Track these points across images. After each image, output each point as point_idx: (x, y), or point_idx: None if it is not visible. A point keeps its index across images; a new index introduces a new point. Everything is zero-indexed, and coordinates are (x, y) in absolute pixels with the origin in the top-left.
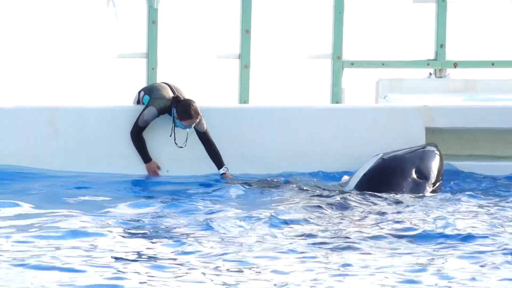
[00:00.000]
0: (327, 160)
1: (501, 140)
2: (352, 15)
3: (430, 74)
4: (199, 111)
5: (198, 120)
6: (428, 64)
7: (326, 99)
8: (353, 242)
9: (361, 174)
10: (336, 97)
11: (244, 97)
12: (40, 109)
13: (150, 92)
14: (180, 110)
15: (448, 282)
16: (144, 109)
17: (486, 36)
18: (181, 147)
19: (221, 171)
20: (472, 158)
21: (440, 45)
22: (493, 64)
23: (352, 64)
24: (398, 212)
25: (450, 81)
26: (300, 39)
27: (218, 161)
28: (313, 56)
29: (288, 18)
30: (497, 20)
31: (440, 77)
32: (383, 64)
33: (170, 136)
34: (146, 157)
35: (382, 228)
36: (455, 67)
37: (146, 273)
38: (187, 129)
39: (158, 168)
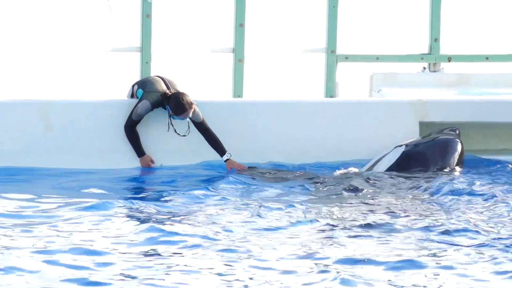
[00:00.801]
0: (321, 154)
1: (495, 134)
2: (346, 9)
3: (424, 68)
4: (192, 101)
5: (192, 110)
6: (422, 58)
7: (320, 93)
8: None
9: (383, 165)
10: (330, 91)
11: (238, 91)
12: (32, 103)
13: (144, 86)
14: (173, 105)
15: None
16: (137, 103)
17: (480, 30)
18: (185, 135)
19: (225, 157)
20: (465, 152)
21: (434, 39)
22: (487, 58)
23: (346, 58)
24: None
25: (444, 75)
26: (294, 33)
27: (219, 148)
28: (307, 50)
29: (282, 12)
30: (491, 14)
31: (434, 71)
32: (377, 58)
33: (168, 131)
34: (139, 151)
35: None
36: (449, 61)
37: (144, 266)
38: (187, 119)
39: (152, 162)
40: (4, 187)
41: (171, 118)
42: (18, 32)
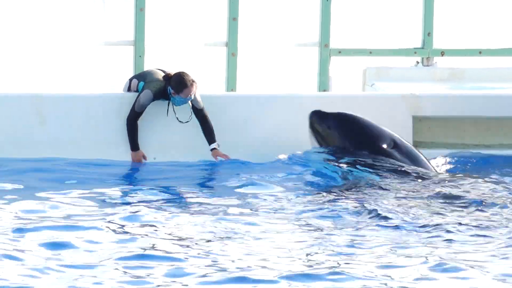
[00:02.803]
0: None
1: (488, 128)
2: (339, 3)
3: (417, 62)
4: (193, 80)
5: (194, 88)
6: (415, 53)
7: (314, 87)
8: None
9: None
10: (324, 85)
11: (231, 85)
12: (26, 96)
13: (144, 78)
14: (174, 83)
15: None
16: (139, 94)
17: (474, 24)
18: (187, 122)
19: (212, 146)
20: (458, 146)
21: (427, 34)
22: (480, 52)
23: (340, 52)
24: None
25: (437, 70)
26: (287, 27)
27: (211, 137)
28: (301, 44)
29: (275, 6)
30: (484, 9)
31: (427, 65)
32: (370, 52)
33: (167, 115)
34: (134, 145)
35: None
36: (442, 55)
37: (140, 260)
38: (189, 102)
39: (144, 158)
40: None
41: (173, 105)
42: (12, 26)
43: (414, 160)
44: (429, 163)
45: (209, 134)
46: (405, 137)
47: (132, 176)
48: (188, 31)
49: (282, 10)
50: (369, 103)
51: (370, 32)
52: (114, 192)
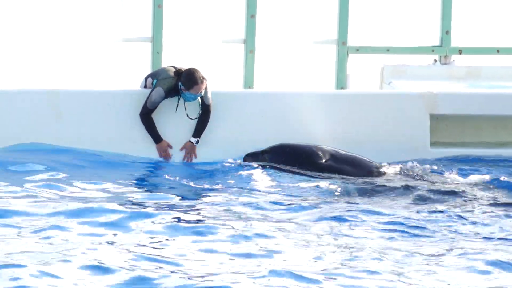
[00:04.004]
0: (331, 145)
1: (505, 127)
2: (357, 1)
3: (435, 60)
4: (204, 77)
5: (204, 85)
6: (433, 51)
7: (331, 85)
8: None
9: None
10: (341, 82)
11: (249, 82)
12: (43, 92)
13: (157, 76)
14: (185, 79)
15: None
16: (151, 91)
17: (491, 23)
18: (197, 118)
19: (192, 138)
20: (475, 145)
21: (446, 32)
22: (498, 51)
23: (357, 50)
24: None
25: (455, 68)
26: (305, 25)
27: (199, 130)
28: (318, 42)
29: (293, 3)
30: (502, 7)
31: (445, 63)
32: (388, 50)
33: (176, 111)
34: (157, 138)
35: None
36: (460, 53)
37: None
38: (198, 98)
39: (170, 147)
40: (14, 174)
41: (184, 100)
42: (30, 22)
43: (355, 165)
44: (376, 164)
45: (198, 128)
46: (422, 135)
47: (147, 172)
48: (206, 28)
49: (300, 7)
50: (386, 101)
51: (388, 30)
52: (128, 187)
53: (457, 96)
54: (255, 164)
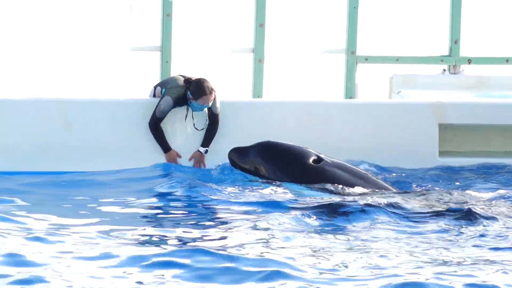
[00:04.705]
0: (340, 155)
1: None
2: (366, 10)
3: (444, 70)
4: (213, 88)
5: (212, 96)
6: (442, 60)
7: (340, 94)
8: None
9: None
10: (350, 92)
11: (257, 92)
12: (52, 101)
13: (166, 85)
14: (194, 89)
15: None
16: (160, 100)
17: (501, 32)
18: (203, 129)
19: (201, 148)
20: (484, 155)
21: (455, 41)
22: (507, 60)
23: (366, 59)
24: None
25: (464, 78)
26: (314, 34)
27: (207, 140)
28: (327, 51)
29: (302, 12)
30: None
31: (454, 73)
32: (397, 59)
33: (185, 120)
34: (165, 147)
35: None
36: (469, 63)
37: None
38: (205, 109)
39: (179, 156)
40: (24, 183)
41: (192, 109)
42: (39, 30)
43: (346, 171)
44: (366, 173)
45: (207, 137)
46: (431, 145)
47: (156, 181)
48: (215, 37)
49: (309, 16)
50: (395, 110)
51: (397, 40)
52: (137, 197)
53: (466, 106)
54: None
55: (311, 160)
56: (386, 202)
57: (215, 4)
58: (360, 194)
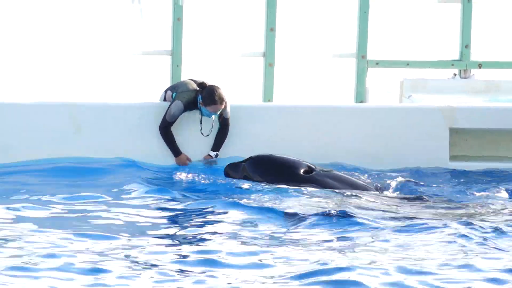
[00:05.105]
0: (350, 159)
1: None
2: (377, 15)
3: (455, 74)
4: (224, 98)
5: (222, 106)
6: (453, 65)
7: (350, 98)
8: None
9: None
10: (360, 96)
11: (268, 96)
12: (62, 105)
13: (177, 89)
14: (205, 95)
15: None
16: (170, 104)
17: (511, 37)
18: (208, 135)
19: (211, 152)
20: (494, 159)
21: (465, 46)
22: None
23: (377, 63)
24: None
25: (475, 82)
26: (324, 38)
27: (218, 145)
28: (338, 55)
29: (313, 16)
30: None
31: (465, 77)
32: (407, 64)
33: (200, 126)
34: (176, 151)
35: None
36: (479, 67)
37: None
38: (212, 116)
39: (189, 160)
40: (34, 186)
41: (202, 116)
42: (50, 34)
43: (336, 179)
44: (359, 181)
45: (218, 141)
46: (442, 149)
47: (166, 184)
48: (225, 41)
49: (319, 20)
50: (406, 115)
51: (408, 44)
52: (147, 201)
53: (477, 110)
54: (234, 179)
55: (302, 171)
56: (372, 206)
57: (226, 8)
58: (348, 201)
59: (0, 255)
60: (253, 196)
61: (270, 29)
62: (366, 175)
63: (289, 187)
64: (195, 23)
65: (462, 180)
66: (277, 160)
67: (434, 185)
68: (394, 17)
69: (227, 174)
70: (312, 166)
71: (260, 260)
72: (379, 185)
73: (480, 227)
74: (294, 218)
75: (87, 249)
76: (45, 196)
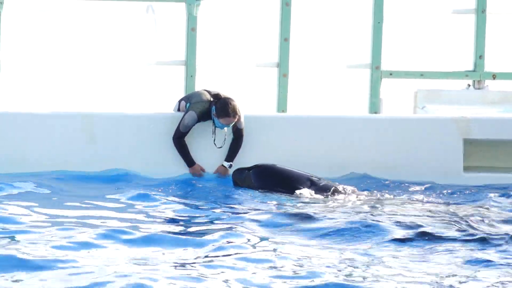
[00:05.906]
0: (364, 169)
1: None
2: (391, 25)
3: (469, 85)
4: (238, 111)
5: (235, 119)
6: (467, 76)
7: (364, 109)
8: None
9: None
10: (374, 107)
11: (282, 106)
12: (77, 115)
13: (190, 99)
14: (219, 107)
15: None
16: (184, 115)
17: None
18: (220, 147)
19: (225, 162)
20: (508, 170)
21: (479, 56)
22: None
23: (391, 74)
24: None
25: (489, 93)
26: (339, 49)
27: (231, 155)
28: (352, 66)
29: (327, 27)
30: None
31: (479, 88)
32: (421, 74)
33: (213, 137)
34: (190, 161)
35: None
36: (494, 78)
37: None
38: (225, 128)
39: (203, 170)
40: (48, 196)
41: (215, 125)
42: (64, 45)
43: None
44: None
45: (231, 152)
46: (456, 160)
47: (180, 194)
48: (239, 51)
49: (333, 31)
50: (420, 125)
51: (422, 55)
52: (160, 210)
53: (491, 121)
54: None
55: (303, 185)
56: (379, 213)
57: (240, 19)
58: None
59: (9, 259)
60: (262, 206)
61: (284, 39)
62: (375, 191)
63: (289, 197)
64: (209, 33)
65: (475, 191)
66: (279, 171)
67: (447, 196)
68: (408, 28)
69: (233, 179)
70: (315, 179)
71: (265, 266)
72: (381, 196)
73: (494, 239)
74: (298, 224)
75: (98, 256)
76: (59, 204)
